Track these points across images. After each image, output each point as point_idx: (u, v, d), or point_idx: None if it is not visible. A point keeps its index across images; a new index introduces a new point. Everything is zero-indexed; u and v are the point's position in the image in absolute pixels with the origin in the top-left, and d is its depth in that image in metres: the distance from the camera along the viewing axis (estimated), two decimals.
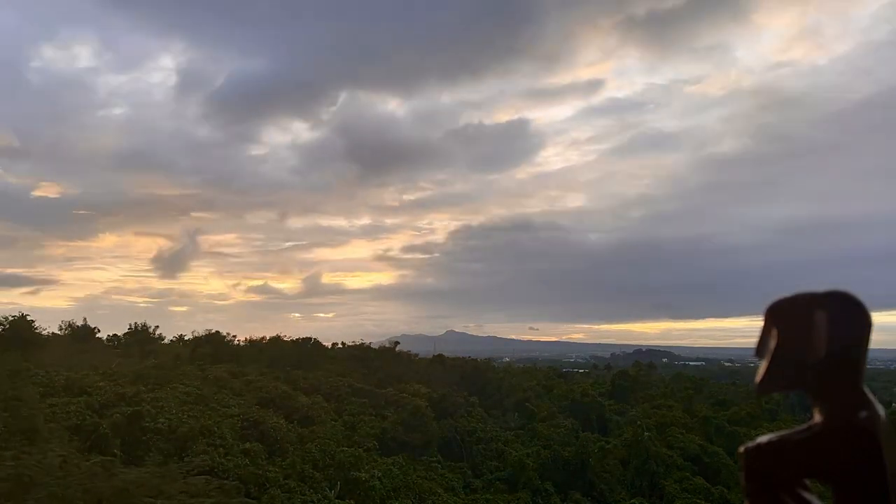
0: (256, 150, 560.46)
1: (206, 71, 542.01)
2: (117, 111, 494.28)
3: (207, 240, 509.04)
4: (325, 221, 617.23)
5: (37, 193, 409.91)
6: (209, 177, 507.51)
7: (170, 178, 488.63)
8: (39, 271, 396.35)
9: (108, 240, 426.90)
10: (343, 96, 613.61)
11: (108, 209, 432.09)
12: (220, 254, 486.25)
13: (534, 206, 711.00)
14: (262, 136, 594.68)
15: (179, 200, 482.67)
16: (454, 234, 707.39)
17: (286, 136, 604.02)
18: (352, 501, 28.39)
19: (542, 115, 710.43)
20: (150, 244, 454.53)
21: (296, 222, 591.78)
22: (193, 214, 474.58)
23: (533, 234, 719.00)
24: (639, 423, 46.15)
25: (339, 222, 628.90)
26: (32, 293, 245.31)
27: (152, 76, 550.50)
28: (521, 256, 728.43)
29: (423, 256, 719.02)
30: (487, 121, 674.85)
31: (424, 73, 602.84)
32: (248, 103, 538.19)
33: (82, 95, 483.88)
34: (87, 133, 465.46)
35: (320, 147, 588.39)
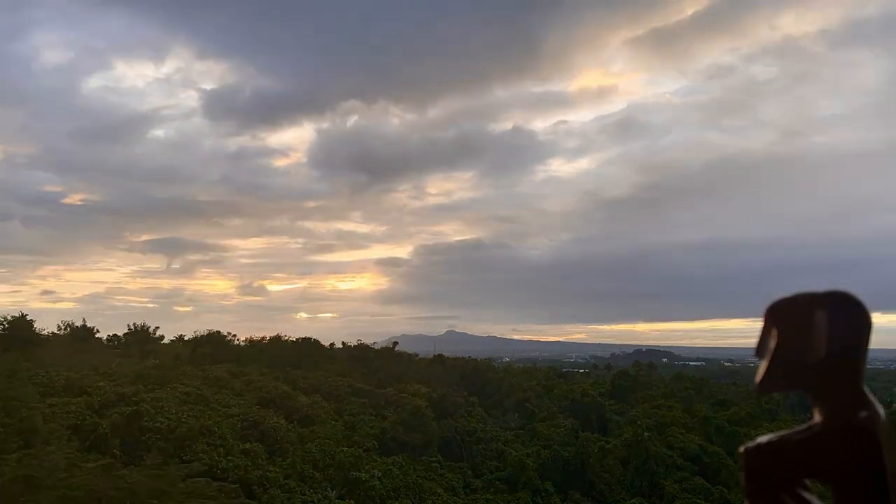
0: (271, 161, 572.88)
1: (231, 88, 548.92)
2: (149, 129, 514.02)
3: (217, 243, 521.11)
4: (331, 226, 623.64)
5: (66, 201, 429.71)
6: (226, 185, 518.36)
7: (189, 186, 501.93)
8: (53, 270, 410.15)
9: (126, 244, 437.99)
10: (355, 107, 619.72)
11: (130, 215, 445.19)
12: (228, 256, 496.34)
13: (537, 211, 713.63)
14: (275, 146, 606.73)
15: (195, 206, 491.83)
16: (457, 239, 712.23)
17: (298, 145, 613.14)
18: (352, 501, 28.36)
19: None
20: (169, 249, 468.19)
21: (304, 226, 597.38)
22: (207, 220, 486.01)
23: (534, 238, 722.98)
24: (639, 423, 46.12)
25: (345, 226, 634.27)
26: (53, 302, 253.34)
27: (179, 95, 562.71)
28: (521, 258, 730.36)
29: (424, 259, 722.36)
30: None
31: (433, 83, 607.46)
32: (265, 116, 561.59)
33: (122, 114, 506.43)
34: (120, 147, 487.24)
35: (332, 156, 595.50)
